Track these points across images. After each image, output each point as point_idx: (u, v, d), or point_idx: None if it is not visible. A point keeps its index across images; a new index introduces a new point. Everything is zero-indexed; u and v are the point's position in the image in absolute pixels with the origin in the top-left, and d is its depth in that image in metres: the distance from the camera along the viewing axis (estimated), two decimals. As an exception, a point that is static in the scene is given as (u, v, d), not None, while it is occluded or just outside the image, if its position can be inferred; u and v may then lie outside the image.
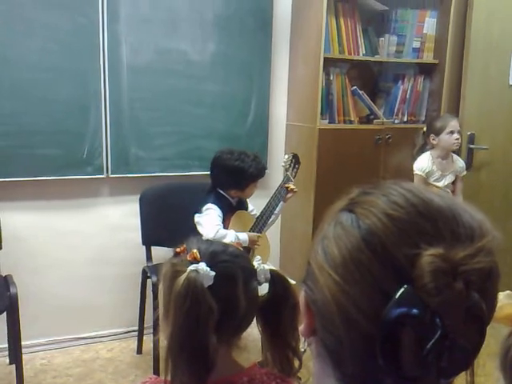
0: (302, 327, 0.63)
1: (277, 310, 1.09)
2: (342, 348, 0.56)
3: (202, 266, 1.03)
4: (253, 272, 1.10)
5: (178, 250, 1.11)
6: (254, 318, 1.12)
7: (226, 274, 1.05)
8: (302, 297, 0.63)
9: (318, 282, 0.58)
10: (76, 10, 2.73)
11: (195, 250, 1.07)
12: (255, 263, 1.11)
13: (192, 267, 1.02)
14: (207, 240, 1.20)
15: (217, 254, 1.08)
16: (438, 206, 0.56)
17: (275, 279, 1.12)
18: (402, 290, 0.51)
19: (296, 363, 1.08)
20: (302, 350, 0.63)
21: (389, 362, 0.52)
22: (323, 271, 0.57)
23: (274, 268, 1.15)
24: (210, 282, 1.02)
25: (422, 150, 3.16)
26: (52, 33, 2.71)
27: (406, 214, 0.55)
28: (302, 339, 0.66)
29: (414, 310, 0.50)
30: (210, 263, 1.04)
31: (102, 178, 2.94)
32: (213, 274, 1.02)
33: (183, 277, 1.01)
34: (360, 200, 0.60)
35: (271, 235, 2.90)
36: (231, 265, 1.08)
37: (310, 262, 0.61)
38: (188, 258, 1.06)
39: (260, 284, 1.10)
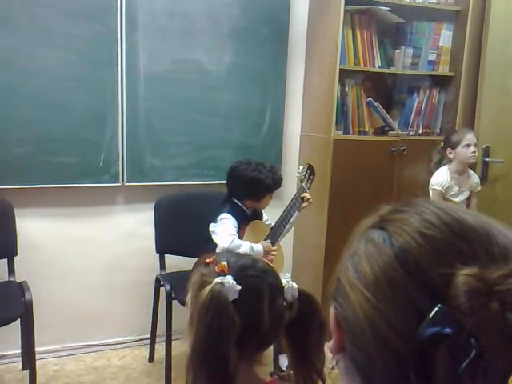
0: (330, 344, 0.63)
1: (303, 329, 1.07)
2: (373, 366, 0.56)
3: (229, 279, 1.02)
4: (280, 289, 1.08)
5: (207, 260, 1.11)
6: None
7: (252, 288, 1.05)
8: (331, 313, 0.63)
9: (349, 299, 0.58)
10: (95, 20, 2.77)
11: (224, 263, 1.07)
12: (284, 280, 1.09)
13: (218, 279, 1.02)
14: (238, 253, 1.20)
15: (245, 268, 1.08)
16: (471, 226, 0.56)
17: (303, 298, 1.10)
18: (436, 309, 0.51)
19: None
20: (330, 367, 0.63)
21: (421, 381, 0.52)
22: (355, 288, 0.58)
23: (301, 287, 1.12)
24: (236, 296, 1.01)
25: (438, 165, 3.15)
26: (71, 42, 2.74)
27: (440, 233, 0.55)
28: (330, 356, 0.65)
29: (448, 330, 0.50)
30: (237, 277, 1.04)
31: (118, 186, 2.96)
32: (238, 287, 1.02)
33: (208, 288, 1.01)
34: (392, 218, 0.60)
35: (284, 247, 2.90)
36: (258, 280, 1.07)
37: (340, 278, 0.61)
38: (216, 270, 1.06)
39: (286, 302, 1.08)
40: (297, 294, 1.09)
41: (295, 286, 1.09)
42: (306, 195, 2.69)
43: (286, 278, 1.10)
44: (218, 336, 0.98)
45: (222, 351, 0.99)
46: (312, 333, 1.06)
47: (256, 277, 1.07)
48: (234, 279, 1.03)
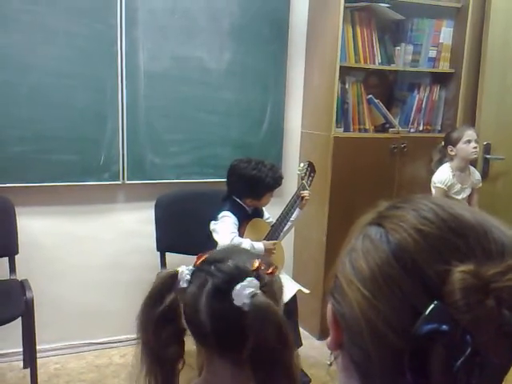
0: (328, 340, 0.63)
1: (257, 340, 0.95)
2: (370, 363, 0.56)
3: (183, 268, 1.05)
4: (226, 292, 0.99)
5: (200, 254, 1.12)
6: None
7: (196, 282, 1.04)
8: (329, 310, 0.63)
9: (346, 295, 0.58)
10: (95, 17, 2.77)
11: (204, 257, 1.08)
12: (238, 286, 0.98)
13: (178, 268, 1.06)
14: (232, 249, 1.18)
15: (207, 263, 1.06)
16: (468, 222, 0.55)
17: (256, 314, 0.96)
18: (432, 306, 0.51)
19: None
20: (328, 363, 0.63)
21: (418, 378, 0.51)
22: (352, 285, 0.57)
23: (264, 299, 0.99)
24: (184, 285, 1.04)
25: (439, 164, 3.14)
26: (71, 39, 2.74)
27: (437, 230, 0.55)
28: (329, 352, 0.65)
29: (444, 327, 0.50)
30: (197, 268, 1.06)
31: (118, 184, 2.96)
32: (187, 278, 1.04)
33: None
34: (389, 214, 0.59)
35: (285, 244, 2.90)
36: (204, 276, 1.03)
37: (338, 274, 0.61)
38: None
39: (240, 307, 0.98)
40: (247, 300, 0.97)
41: (247, 292, 0.97)
42: (304, 193, 2.69)
43: (243, 283, 0.99)
44: (146, 321, 1.06)
45: (153, 342, 1.03)
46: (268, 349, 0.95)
47: (205, 272, 1.04)
48: (192, 270, 1.05)
